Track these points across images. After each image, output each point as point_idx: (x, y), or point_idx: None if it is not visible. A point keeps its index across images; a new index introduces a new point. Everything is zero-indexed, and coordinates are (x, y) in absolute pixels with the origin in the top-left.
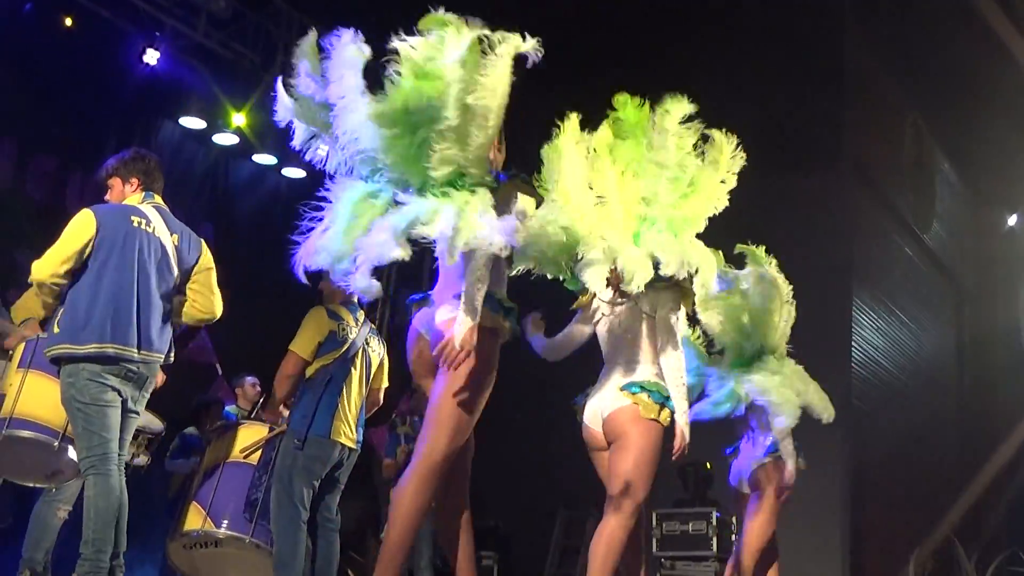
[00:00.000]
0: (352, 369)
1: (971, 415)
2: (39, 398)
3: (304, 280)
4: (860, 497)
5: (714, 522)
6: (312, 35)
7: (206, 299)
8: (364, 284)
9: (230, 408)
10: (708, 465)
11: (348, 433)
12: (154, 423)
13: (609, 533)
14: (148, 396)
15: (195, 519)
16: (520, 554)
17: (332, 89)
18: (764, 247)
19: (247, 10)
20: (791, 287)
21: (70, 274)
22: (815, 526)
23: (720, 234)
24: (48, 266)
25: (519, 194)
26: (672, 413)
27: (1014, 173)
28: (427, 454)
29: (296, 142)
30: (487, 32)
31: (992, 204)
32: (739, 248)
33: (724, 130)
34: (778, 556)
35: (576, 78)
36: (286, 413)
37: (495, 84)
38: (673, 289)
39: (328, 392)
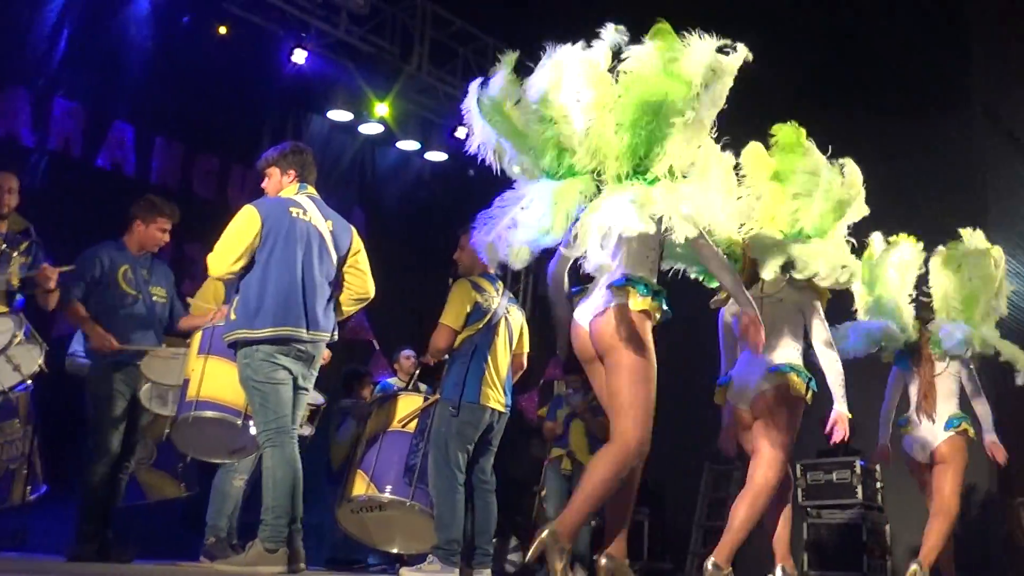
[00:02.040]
0: (495, 337)
1: None
2: (221, 381)
3: (492, 269)
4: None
5: (858, 470)
6: (512, 56)
7: (361, 280)
8: (601, 259)
9: (390, 380)
10: (850, 415)
11: (497, 398)
12: (316, 397)
13: (750, 501)
14: (316, 374)
15: (360, 485)
16: (671, 508)
17: (545, 90)
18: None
19: (384, 5)
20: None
21: (243, 267)
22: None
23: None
24: (223, 262)
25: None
26: (814, 392)
27: None
28: (621, 441)
29: (476, 146)
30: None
31: None
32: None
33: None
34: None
35: None
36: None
37: (723, 92)
38: (812, 287)
39: (475, 360)
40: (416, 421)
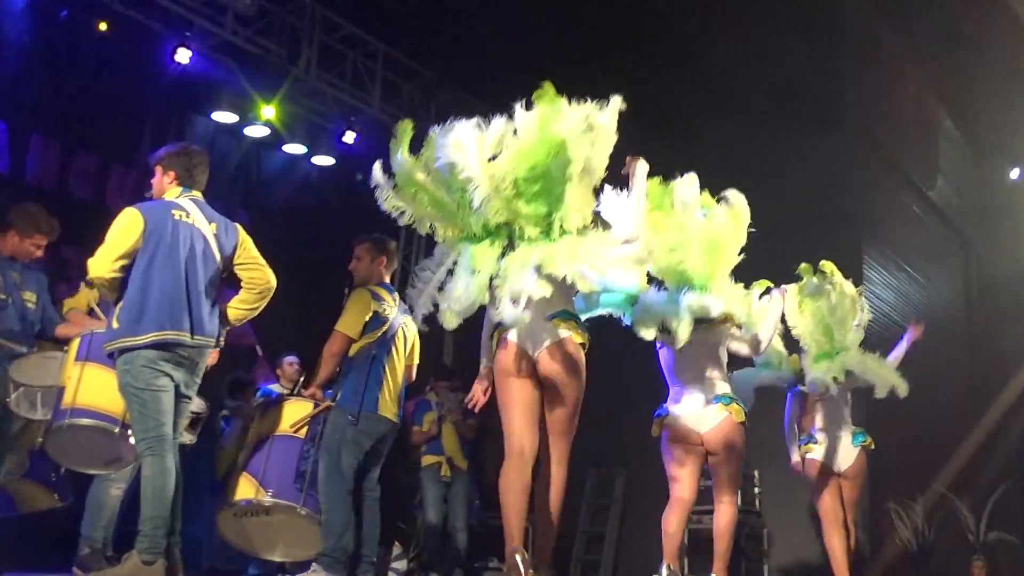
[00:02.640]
0: (392, 348)
1: (980, 361)
2: (98, 388)
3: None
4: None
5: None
6: (406, 124)
7: (259, 272)
8: (512, 315)
9: (272, 387)
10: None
11: (392, 409)
12: (199, 404)
13: (730, 518)
14: (199, 381)
15: (247, 489)
16: None
17: (451, 162)
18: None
19: (272, 7)
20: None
21: (124, 269)
22: None
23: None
24: (103, 264)
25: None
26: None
27: (1015, 127)
28: (565, 467)
29: (389, 209)
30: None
31: (994, 158)
32: (806, 267)
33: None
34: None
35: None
36: (319, 394)
37: (605, 146)
38: (722, 324)
39: (374, 370)
40: (307, 428)
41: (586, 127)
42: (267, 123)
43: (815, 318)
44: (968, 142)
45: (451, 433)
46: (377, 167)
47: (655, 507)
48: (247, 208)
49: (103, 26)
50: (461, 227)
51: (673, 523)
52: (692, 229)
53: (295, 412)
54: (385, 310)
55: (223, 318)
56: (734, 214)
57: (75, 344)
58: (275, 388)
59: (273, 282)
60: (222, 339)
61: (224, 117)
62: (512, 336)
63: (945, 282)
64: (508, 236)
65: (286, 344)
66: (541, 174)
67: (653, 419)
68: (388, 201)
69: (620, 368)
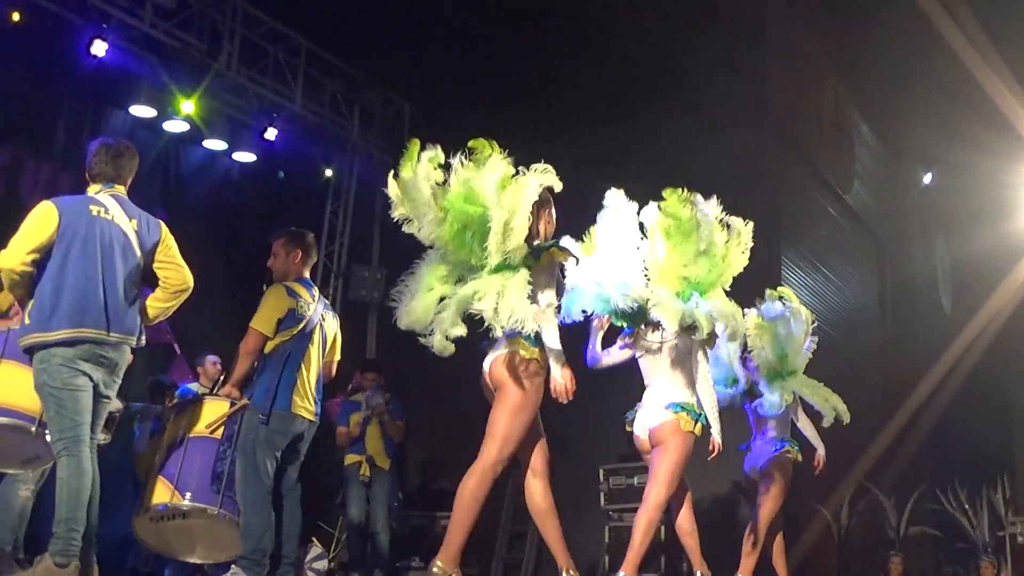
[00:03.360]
0: (309, 345)
1: (894, 360)
2: (14, 386)
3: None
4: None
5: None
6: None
7: (176, 272)
8: (440, 347)
9: (192, 386)
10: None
11: (307, 407)
12: (114, 403)
13: (648, 517)
14: (119, 381)
15: (162, 493)
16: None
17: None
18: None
19: (193, 0)
20: None
21: (36, 263)
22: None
23: (656, 195)
24: (15, 256)
25: (558, 261)
26: (704, 427)
27: (928, 132)
28: (482, 462)
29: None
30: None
31: (908, 162)
32: (774, 292)
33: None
34: (782, 527)
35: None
36: (235, 393)
37: (525, 205)
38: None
39: (288, 368)
40: (224, 427)
41: (505, 179)
42: (186, 118)
43: (772, 341)
44: (883, 146)
45: (375, 432)
46: (391, 180)
47: (577, 504)
48: (165, 205)
49: (16, 16)
50: (441, 251)
51: (684, 526)
52: (709, 243)
53: (211, 412)
54: (302, 306)
55: (141, 315)
56: (737, 240)
57: None
58: (194, 387)
59: (190, 283)
60: (143, 338)
61: (142, 111)
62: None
63: (861, 283)
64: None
65: (206, 343)
66: (469, 226)
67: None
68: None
69: None
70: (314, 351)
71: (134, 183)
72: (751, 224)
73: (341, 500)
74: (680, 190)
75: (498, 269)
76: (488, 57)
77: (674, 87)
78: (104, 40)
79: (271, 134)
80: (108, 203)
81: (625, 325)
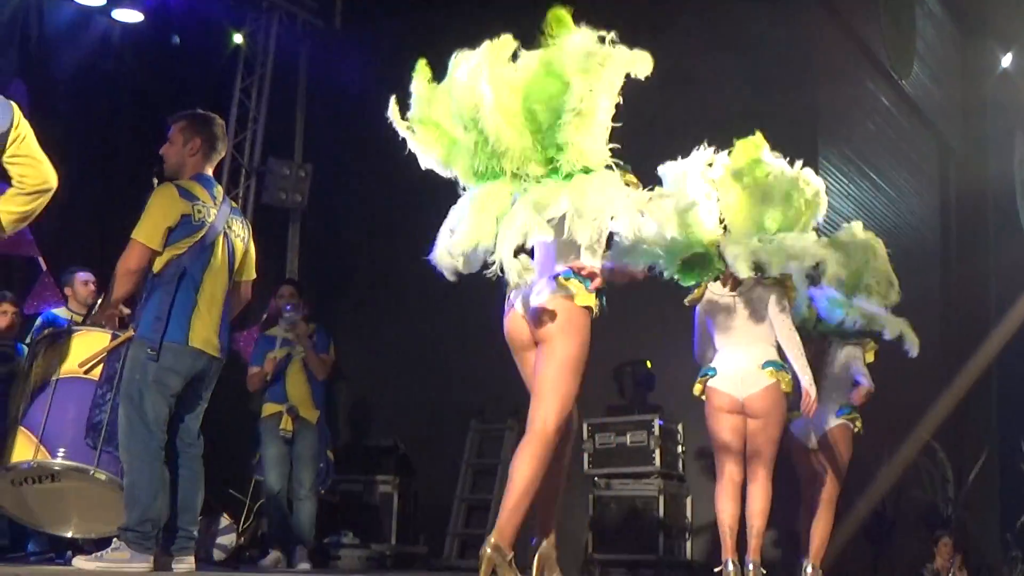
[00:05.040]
0: (212, 260)
1: (958, 293)
2: None
3: (448, 276)
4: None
5: (657, 431)
6: (422, 63)
7: (35, 170)
8: (517, 275)
9: (58, 311)
10: (648, 363)
11: (210, 339)
12: None
13: (764, 500)
14: None
15: (25, 449)
16: (426, 476)
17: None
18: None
19: None
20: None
21: None
22: None
23: (668, 69)
24: None
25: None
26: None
27: (1007, 4)
28: (542, 429)
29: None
30: (604, 34)
31: (982, 42)
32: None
33: None
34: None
35: None
36: (127, 311)
37: (612, 85)
38: (779, 284)
39: (183, 289)
40: (103, 366)
41: (593, 64)
42: None
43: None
44: (952, 20)
45: (298, 375)
46: (393, 104)
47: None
48: (24, 76)
49: None
50: (475, 167)
51: (727, 511)
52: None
53: (86, 346)
54: (200, 211)
55: None
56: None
57: None
58: (61, 313)
59: (52, 182)
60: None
61: None
62: (515, 302)
63: (919, 192)
64: (519, 181)
65: (76, 257)
66: (540, 113)
67: (698, 377)
68: (408, 139)
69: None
70: (217, 268)
71: None
72: (817, 179)
73: (257, 460)
74: (752, 141)
75: (568, 175)
76: None
77: None
78: None
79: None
80: None
81: (692, 280)
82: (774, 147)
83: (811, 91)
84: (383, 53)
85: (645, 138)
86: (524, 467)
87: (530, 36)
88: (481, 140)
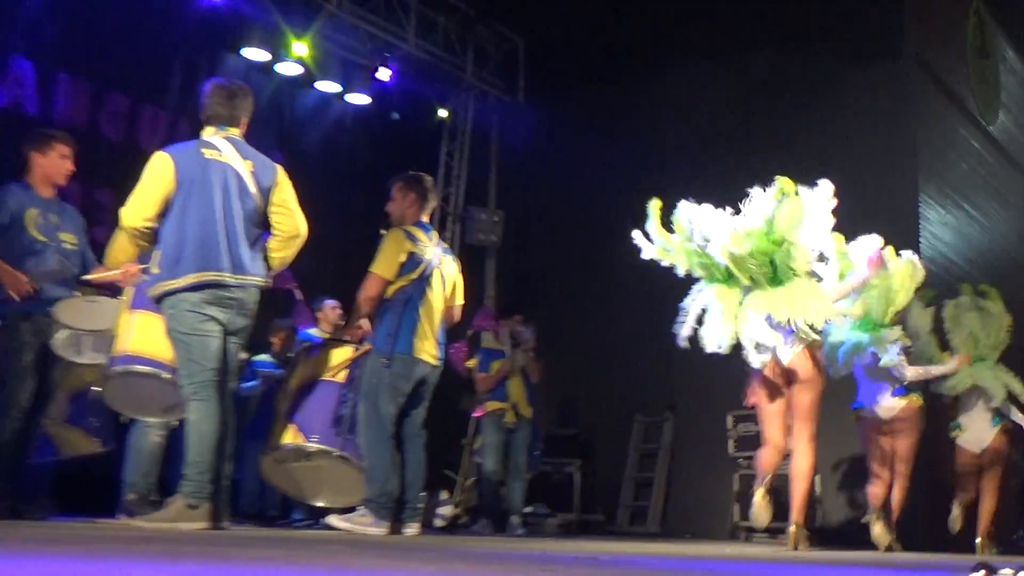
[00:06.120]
0: (430, 288)
1: None
2: (150, 335)
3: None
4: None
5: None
6: (655, 203)
7: (289, 219)
8: (757, 359)
9: (312, 331)
10: None
11: (430, 350)
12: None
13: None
14: (250, 322)
15: (287, 434)
16: (601, 460)
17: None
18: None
19: None
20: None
21: (158, 216)
22: None
23: (790, 130)
24: (137, 213)
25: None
26: None
27: None
28: (814, 440)
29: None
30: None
31: None
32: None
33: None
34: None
35: None
36: (367, 326)
37: (814, 223)
38: None
39: (408, 311)
40: (347, 372)
41: (802, 221)
42: (299, 60)
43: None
44: None
45: (517, 377)
46: (640, 237)
47: (701, 452)
48: (281, 149)
49: None
50: (710, 273)
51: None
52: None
53: (335, 357)
54: (421, 250)
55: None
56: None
57: (129, 292)
58: (314, 332)
59: (302, 230)
60: (269, 280)
61: (255, 55)
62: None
63: (1005, 220)
64: (749, 278)
65: (323, 288)
66: (767, 250)
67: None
68: (651, 254)
69: (674, 308)
70: (433, 295)
71: (249, 128)
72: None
73: (478, 446)
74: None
75: (780, 282)
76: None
77: (810, 16)
78: None
79: (384, 75)
80: (222, 145)
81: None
82: (882, 184)
83: (911, 137)
84: (557, 120)
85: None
86: (805, 465)
87: (675, 107)
88: (715, 266)
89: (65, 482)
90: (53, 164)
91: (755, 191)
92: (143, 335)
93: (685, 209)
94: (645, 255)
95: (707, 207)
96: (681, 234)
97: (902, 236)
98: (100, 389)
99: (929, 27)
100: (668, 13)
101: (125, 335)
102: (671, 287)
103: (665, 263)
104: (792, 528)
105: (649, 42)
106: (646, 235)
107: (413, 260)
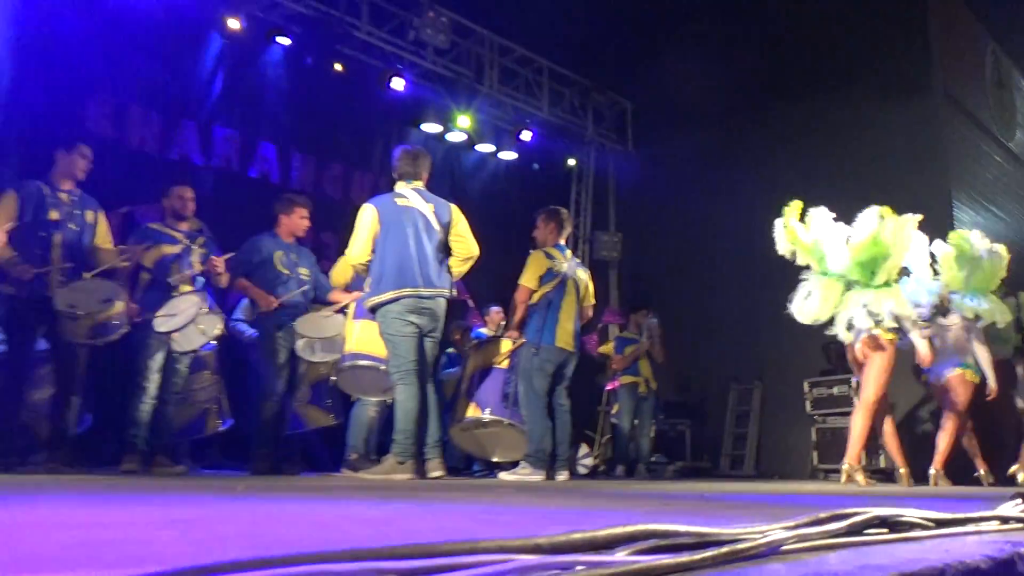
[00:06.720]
0: (567, 293)
1: None
2: (369, 337)
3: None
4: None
5: (853, 384)
6: (795, 204)
7: (464, 244)
8: (845, 335)
9: (481, 330)
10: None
11: (568, 340)
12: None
13: (949, 434)
14: (440, 325)
15: (469, 409)
16: (707, 419)
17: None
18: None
19: (460, 40)
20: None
21: (372, 252)
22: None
23: (841, 158)
24: (359, 255)
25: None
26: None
27: None
28: (867, 397)
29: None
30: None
31: None
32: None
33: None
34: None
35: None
36: (515, 335)
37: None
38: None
39: (551, 312)
40: (509, 360)
41: (900, 238)
42: (463, 130)
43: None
44: None
45: (644, 357)
46: (779, 231)
47: (785, 411)
48: (453, 198)
49: (338, 67)
50: (819, 266)
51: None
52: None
53: (499, 348)
54: (557, 265)
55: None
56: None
57: (352, 306)
58: (484, 331)
59: (475, 252)
60: (454, 291)
61: (431, 128)
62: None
63: None
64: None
65: (488, 298)
66: (870, 259)
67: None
68: (784, 246)
69: (757, 298)
70: (569, 298)
71: (429, 181)
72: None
73: (614, 411)
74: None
75: (880, 285)
76: (687, 58)
77: (849, 65)
78: (401, 77)
79: (526, 136)
80: (409, 194)
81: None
82: (921, 193)
83: (944, 155)
84: (658, 161)
85: (826, 183)
86: (861, 420)
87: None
88: (825, 262)
89: (309, 445)
90: (295, 223)
91: (863, 213)
92: (364, 337)
93: (818, 215)
94: (779, 249)
95: (827, 215)
96: (810, 233)
97: (940, 235)
98: (335, 378)
99: (954, 66)
100: (740, 75)
101: (351, 338)
102: (755, 286)
103: (788, 255)
104: (846, 466)
105: (725, 97)
106: (781, 230)
107: (551, 273)
